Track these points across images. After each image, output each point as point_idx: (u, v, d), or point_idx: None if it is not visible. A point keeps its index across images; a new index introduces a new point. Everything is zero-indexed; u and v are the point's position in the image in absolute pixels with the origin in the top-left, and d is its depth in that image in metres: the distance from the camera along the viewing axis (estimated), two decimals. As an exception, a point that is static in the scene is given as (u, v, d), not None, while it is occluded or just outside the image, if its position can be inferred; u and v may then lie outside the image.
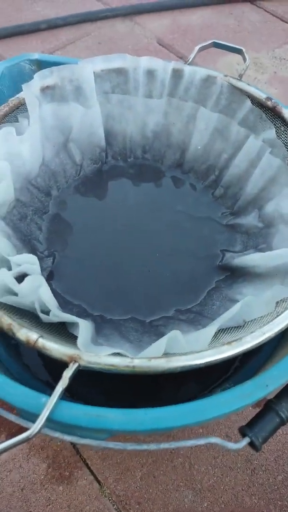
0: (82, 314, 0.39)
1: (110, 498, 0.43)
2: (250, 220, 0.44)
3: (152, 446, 0.27)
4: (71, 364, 0.27)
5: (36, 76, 0.42)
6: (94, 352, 0.28)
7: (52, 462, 0.45)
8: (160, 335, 0.36)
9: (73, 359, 0.27)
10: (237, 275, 0.41)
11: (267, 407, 0.30)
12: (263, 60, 0.87)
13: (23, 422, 0.27)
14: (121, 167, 0.50)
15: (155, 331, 0.37)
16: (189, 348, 0.29)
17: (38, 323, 0.31)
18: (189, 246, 0.45)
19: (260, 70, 0.86)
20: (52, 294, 0.31)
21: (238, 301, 0.37)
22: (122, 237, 0.45)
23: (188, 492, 0.43)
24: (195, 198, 0.48)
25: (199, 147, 0.47)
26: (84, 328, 0.29)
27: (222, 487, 0.44)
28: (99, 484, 0.44)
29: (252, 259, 0.38)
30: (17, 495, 0.43)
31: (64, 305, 0.39)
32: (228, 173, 0.46)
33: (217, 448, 0.46)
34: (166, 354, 0.29)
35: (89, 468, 0.44)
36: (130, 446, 0.27)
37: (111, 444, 0.27)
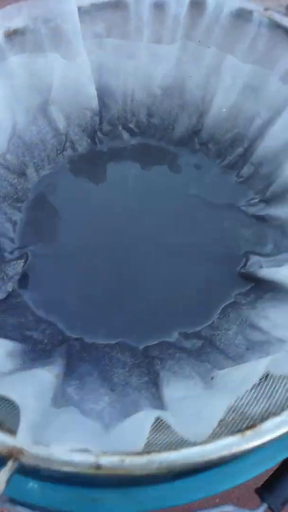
0: (56, 337, 0.30)
1: None
2: (287, 211, 0.32)
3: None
4: (9, 462, 0.18)
5: (-3, 13, 0.31)
6: (45, 444, 0.19)
7: None
8: (153, 374, 0.27)
9: (13, 455, 0.18)
10: (264, 288, 0.30)
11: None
12: None
13: None
14: (120, 137, 0.39)
15: (147, 368, 0.28)
16: (183, 432, 0.19)
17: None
18: (203, 243, 0.34)
19: None
20: None
21: (262, 330, 0.28)
22: (116, 230, 0.35)
23: None
24: (215, 177, 0.37)
25: (223, 110, 0.35)
26: (29, 411, 0.19)
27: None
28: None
29: (286, 274, 0.27)
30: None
31: (35, 324, 0.30)
32: (262, 145, 0.34)
33: None
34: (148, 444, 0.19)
35: None
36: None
37: None
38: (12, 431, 0.19)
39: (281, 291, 0.28)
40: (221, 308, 0.31)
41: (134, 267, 0.33)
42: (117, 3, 0.34)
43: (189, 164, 0.38)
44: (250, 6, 0.32)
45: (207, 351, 0.28)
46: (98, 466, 0.18)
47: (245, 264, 0.32)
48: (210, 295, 0.32)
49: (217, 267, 0.33)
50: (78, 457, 0.18)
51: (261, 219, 0.34)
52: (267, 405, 0.20)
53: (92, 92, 0.35)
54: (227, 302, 0.31)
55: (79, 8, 0.33)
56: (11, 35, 0.32)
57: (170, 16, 0.33)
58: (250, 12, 0.32)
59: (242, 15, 0.32)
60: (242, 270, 0.32)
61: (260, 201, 0.34)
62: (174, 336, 0.30)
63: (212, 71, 0.34)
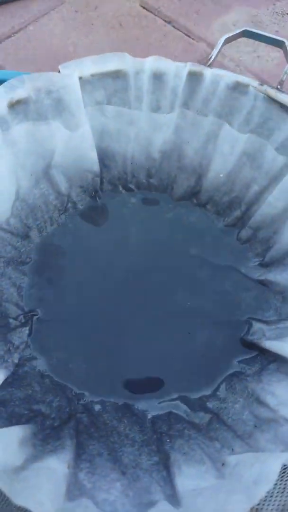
0: (64, 410, 0.30)
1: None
2: (286, 278, 0.33)
3: None
4: None
5: (0, 88, 0.31)
6: None
7: None
8: (163, 454, 0.27)
9: None
10: (268, 358, 0.31)
11: None
12: (263, 18, 0.70)
13: None
14: (120, 197, 0.39)
15: (157, 445, 0.28)
16: None
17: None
18: (205, 306, 0.35)
19: (260, 29, 0.69)
20: None
21: (269, 407, 0.28)
22: (119, 291, 0.35)
23: None
24: (215, 238, 0.38)
25: (221, 175, 0.36)
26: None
27: None
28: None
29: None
30: None
31: (42, 395, 0.30)
32: (259, 211, 0.35)
33: None
34: None
35: None
36: None
37: None
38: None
39: (285, 364, 0.29)
40: (225, 375, 0.32)
41: (137, 329, 0.34)
42: (117, 73, 0.34)
43: (189, 224, 0.38)
44: (245, 80, 0.33)
45: (216, 427, 0.28)
46: None
47: (248, 331, 0.33)
48: (213, 360, 0.33)
49: (220, 332, 0.34)
50: None
51: (261, 283, 0.35)
52: (282, 502, 0.21)
53: (94, 157, 0.36)
54: (232, 371, 0.32)
55: (81, 78, 0.34)
56: (15, 105, 0.32)
57: (168, 87, 0.34)
58: (247, 86, 0.33)
59: (238, 88, 0.33)
60: (246, 338, 0.33)
61: (259, 265, 0.35)
62: (181, 408, 0.31)
63: (210, 138, 0.35)
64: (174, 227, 0.39)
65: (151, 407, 0.31)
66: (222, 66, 0.54)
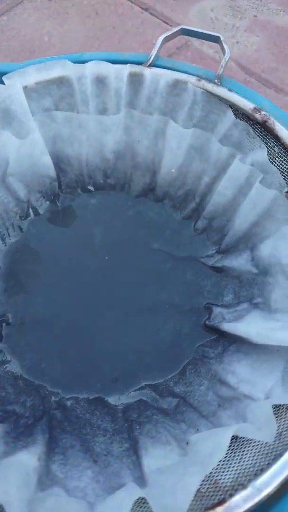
0: (37, 408, 0.31)
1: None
2: (241, 262, 0.35)
3: None
4: None
5: None
6: None
7: None
8: (133, 440, 0.29)
9: None
10: (229, 340, 0.33)
11: None
12: (240, 2, 0.71)
13: None
14: (80, 198, 0.40)
15: (128, 432, 0.29)
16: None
17: None
18: (170, 296, 0.36)
19: (238, 15, 0.70)
20: None
21: (230, 385, 0.30)
22: (88, 290, 0.37)
23: None
24: (174, 231, 0.39)
25: (172, 170, 0.37)
26: (12, 508, 0.21)
27: None
28: None
29: (247, 332, 0.30)
30: None
31: (16, 396, 0.32)
32: (212, 201, 0.36)
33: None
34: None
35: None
36: None
37: None
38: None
39: (244, 344, 0.31)
40: (190, 358, 0.33)
41: (106, 324, 0.35)
42: (61, 80, 0.35)
43: (148, 219, 0.40)
44: (183, 77, 0.34)
45: (183, 410, 0.30)
46: None
47: (209, 316, 0.35)
48: (179, 347, 0.34)
49: (185, 320, 0.35)
50: None
51: (220, 270, 0.36)
52: (237, 472, 0.22)
53: (48, 162, 0.37)
54: (196, 355, 0.33)
55: (25, 87, 0.35)
56: None
57: (111, 89, 0.35)
58: (185, 83, 0.34)
59: (178, 85, 0.35)
60: (207, 323, 0.34)
61: (217, 252, 0.37)
62: (148, 395, 0.32)
63: (158, 135, 0.36)
64: (135, 224, 0.40)
65: (122, 398, 0.32)
66: (201, 54, 0.54)
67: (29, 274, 0.38)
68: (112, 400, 0.32)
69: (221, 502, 0.20)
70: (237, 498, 0.20)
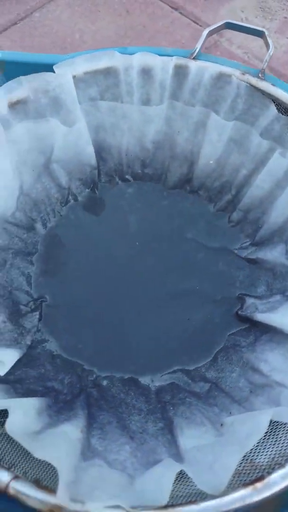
0: (75, 386, 0.33)
1: None
2: (275, 255, 0.36)
3: None
4: (51, 519, 0.21)
5: (0, 90, 0.33)
6: (81, 501, 0.22)
7: None
8: (167, 420, 0.30)
9: (53, 512, 0.21)
10: (261, 330, 0.33)
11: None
12: (271, 3, 0.71)
13: None
14: (118, 187, 0.41)
15: (162, 413, 0.31)
16: (202, 485, 0.22)
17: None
18: (202, 285, 0.37)
19: (269, 16, 0.70)
20: None
21: (262, 373, 0.31)
22: (121, 276, 0.38)
23: None
24: (208, 222, 0.40)
25: (211, 162, 0.38)
26: (65, 470, 0.22)
27: None
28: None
29: (282, 322, 0.31)
30: None
31: (54, 374, 0.33)
32: (248, 193, 0.37)
33: None
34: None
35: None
36: None
37: None
38: (50, 489, 0.22)
39: (277, 334, 0.31)
40: (221, 346, 0.35)
41: (139, 310, 0.37)
42: (108, 70, 0.36)
43: (183, 209, 0.41)
44: (228, 70, 0.35)
45: (215, 395, 0.31)
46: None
47: (241, 306, 0.35)
48: (211, 335, 0.35)
49: (216, 309, 0.36)
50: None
51: (253, 262, 0.37)
52: (273, 453, 0.23)
53: (91, 151, 0.38)
54: (228, 343, 0.34)
55: (74, 76, 0.36)
56: (15, 105, 0.35)
57: (157, 80, 0.36)
58: (229, 76, 0.35)
59: (222, 78, 0.35)
60: (240, 312, 0.35)
61: (251, 244, 0.38)
62: (182, 380, 0.33)
63: (199, 127, 0.37)
64: (170, 214, 0.41)
65: (155, 379, 0.33)
66: (230, 54, 0.54)
67: (66, 258, 0.39)
68: (144, 381, 0.33)
69: (259, 478, 0.21)
70: (275, 475, 0.21)
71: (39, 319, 0.35)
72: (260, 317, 0.33)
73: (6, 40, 0.60)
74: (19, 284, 0.36)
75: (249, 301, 0.35)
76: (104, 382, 0.33)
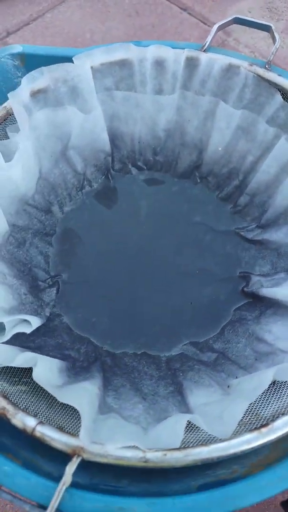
0: (90, 354, 0.35)
1: None
2: (281, 236, 0.38)
3: None
4: (74, 458, 0.23)
5: (24, 80, 0.36)
6: (100, 443, 0.24)
7: None
8: (177, 384, 0.32)
9: (76, 452, 0.23)
10: (266, 305, 0.36)
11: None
12: (278, 4, 0.73)
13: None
14: (130, 173, 0.44)
15: (172, 379, 0.33)
16: (211, 431, 0.24)
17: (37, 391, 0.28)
18: (209, 265, 0.40)
19: (275, 16, 0.72)
20: None
21: (267, 342, 0.33)
22: (133, 256, 0.40)
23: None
24: (216, 206, 0.42)
25: (219, 148, 0.40)
26: (86, 416, 0.24)
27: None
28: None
29: (286, 295, 0.33)
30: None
31: (71, 343, 0.35)
32: (255, 178, 0.39)
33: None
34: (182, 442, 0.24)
35: None
36: None
37: None
38: (72, 434, 0.25)
39: (280, 307, 0.34)
40: (228, 320, 0.37)
41: (150, 287, 0.39)
42: (123, 62, 0.39)
43: (192, 195, 0.43)
44: (237, 61, 0.37)
45: (222, 362, 0.33)
46: (146, 460, 0.23)
47: (247, 284, 0.37)
48: (218, 310, 0.37)
49: (223, 287, 0.38)
50: (129, 453, 0.23)
51: (258, 243, 0.39)
52: (276, 407, 0.25)
53: (106, 138, 0.40)
54: (234, 318, 0.37)
55: (91, 67, 0.38)
56: (36, 94, 0.37)
57: (169, 71, 0.39)
58: (238, 67, 0.37)
59: (231, 69, 0.38)
60: (246, 289, 0.37)
61: (257, 227, 0.40)
62: (190, 351, 0.35)
63: (208, 116, 0.39)
64: (179, 199, 0.43)
65: (166, 350, 0.36)
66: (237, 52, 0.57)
67: (81, 239, 0.41)
68: (155, 352, 0.36)
69: (264, 425, 0.23)
70: (278, 422, 0.23)
71: (56, 294, 0.38)
72: (265, 291, 0.35)
73: (19, 39, 0.63)
74: (38, 262, 0.39)
75: (255, 278, 0.37)
76: (118, 351, 0.35)
